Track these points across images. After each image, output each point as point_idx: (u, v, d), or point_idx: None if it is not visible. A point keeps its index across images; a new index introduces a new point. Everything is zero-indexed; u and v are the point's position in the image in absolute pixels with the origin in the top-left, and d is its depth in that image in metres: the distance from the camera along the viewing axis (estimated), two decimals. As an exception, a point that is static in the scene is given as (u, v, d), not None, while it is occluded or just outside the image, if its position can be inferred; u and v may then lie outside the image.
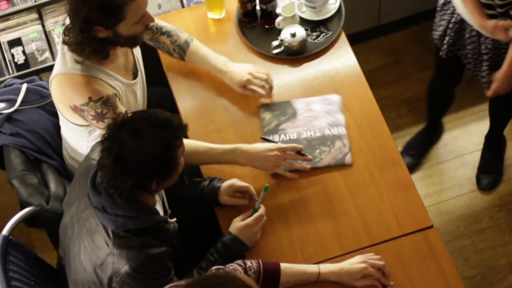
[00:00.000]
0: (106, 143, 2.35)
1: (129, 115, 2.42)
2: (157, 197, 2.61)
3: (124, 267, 2.40)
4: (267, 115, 3.01)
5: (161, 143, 2.34)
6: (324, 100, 3.01)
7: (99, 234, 2.45)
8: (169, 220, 2.53)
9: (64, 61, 2.71)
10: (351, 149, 2.90)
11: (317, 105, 3.01)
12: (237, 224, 2.68)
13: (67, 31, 2.67)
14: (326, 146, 2.92)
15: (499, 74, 3.10)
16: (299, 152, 2.84)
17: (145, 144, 2.32)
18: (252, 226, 2.67)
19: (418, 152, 3.83)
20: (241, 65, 3.04)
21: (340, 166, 2.88)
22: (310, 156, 2.85)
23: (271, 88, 3.03)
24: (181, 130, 2.41)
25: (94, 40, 2.63)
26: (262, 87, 2.99)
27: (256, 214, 2.69)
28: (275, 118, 3.00)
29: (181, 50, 3.06)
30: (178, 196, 2.80)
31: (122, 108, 2.74)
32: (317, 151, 2.91)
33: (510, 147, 3.86)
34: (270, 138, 2.91)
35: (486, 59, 3.16)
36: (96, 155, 2.54)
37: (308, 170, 2.85)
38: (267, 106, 3.03)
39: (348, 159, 2.88)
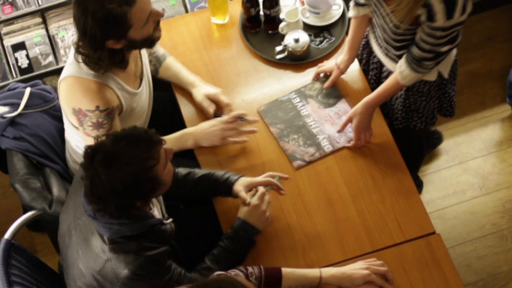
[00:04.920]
0: (83, 171, 2.34)
1: (102, 139, 2.38)
2: (154, 201, 2.61)
3: (123, 271, 2.40)
4: (320, 83, 3.08)
5: (133, 169, 2.30)
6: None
7: (95, 241, 2.45)
8: (164, 221, 2.52)
9: (78, 64, 2.69)
10: (307, 164, 2.90)
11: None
12: (244, 208, 2.68)
13: (80, 49, 2.65)
14: (303, 141, 2.95)
15: (361, 105, 2.89)
16: (241, 118, 2.91)
17: (116, 173, 2.29)
18: (259, 206, 2.67)
19: None
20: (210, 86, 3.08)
21: (290, 160, 2.92)
22: (252, 119, 2.92)
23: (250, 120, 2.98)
24: (154, 149, 2.35)
25: (110, 53, 2.62)
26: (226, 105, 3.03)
27: (258, 193, 2.69)
28: (319, 91, 3.06)
29: (157, 61, 3.08)
30: (185, 193, 2.78)
31: (117, 122, 2.74)
32: (295, 136, 2.95)
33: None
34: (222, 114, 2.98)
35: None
36: None
37: (255, 121, 2.92)
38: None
39: (296, 164, 2.91)
